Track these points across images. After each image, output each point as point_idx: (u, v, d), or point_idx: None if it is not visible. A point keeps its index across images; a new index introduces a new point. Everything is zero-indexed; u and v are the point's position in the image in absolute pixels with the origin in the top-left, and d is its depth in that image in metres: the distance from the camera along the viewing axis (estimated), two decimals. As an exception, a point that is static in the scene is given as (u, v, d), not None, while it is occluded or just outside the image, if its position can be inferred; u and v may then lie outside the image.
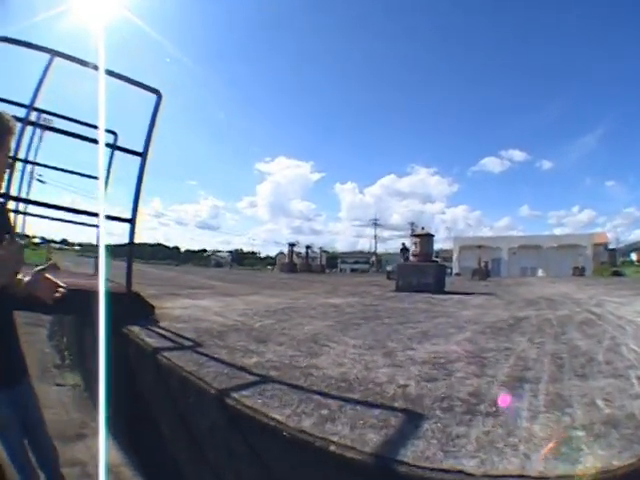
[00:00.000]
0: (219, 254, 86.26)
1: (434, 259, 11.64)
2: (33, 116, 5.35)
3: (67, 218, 6.07)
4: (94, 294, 4.16)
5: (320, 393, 2.12)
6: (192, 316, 4.57)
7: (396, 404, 1.96)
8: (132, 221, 4.11)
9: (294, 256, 30.88)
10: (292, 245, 29.61)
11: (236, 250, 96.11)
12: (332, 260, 75.17)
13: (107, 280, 4.75)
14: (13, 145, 1.83)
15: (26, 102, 4.42)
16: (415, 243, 11.21)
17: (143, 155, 4.20)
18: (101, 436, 2.39)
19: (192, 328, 3.89)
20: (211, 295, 7.07)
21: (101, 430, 2.45)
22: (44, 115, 5.76)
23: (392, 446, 1.54)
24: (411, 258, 11.53)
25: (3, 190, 2.20)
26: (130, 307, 4.15)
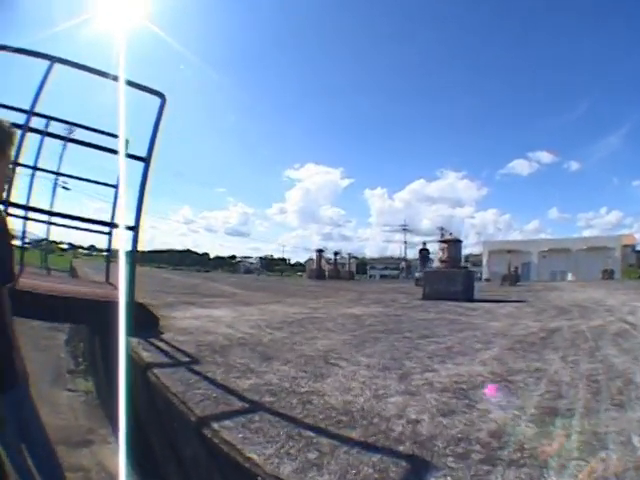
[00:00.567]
0: (248, 260, 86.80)
1: (463, 265, 11.20)
2: (57, 127, 5.31)
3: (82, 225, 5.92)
4: (92, 303, 4.04)
5: (314, 428, 1.79)
6: (200, 328, 4.32)
7: (401, 447, 1.62)
8: (135, 228, 3.89)
9: (323, 262, 30.60)
10: (320, 252, 29.25)
11: (265, 256, 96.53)
12: (362, 266, 74.69)
13: (113, 289, 4.58)
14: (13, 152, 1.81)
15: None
16: (443, 249, 10.76)
17: (146, 160, 3.98)
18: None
19: (195, 341, 3.64)
20: (228, 304, 6.83)
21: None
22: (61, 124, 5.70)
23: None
24: (439, 264, 11.08)
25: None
26: (132, 317, 3.93)
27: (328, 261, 33.60)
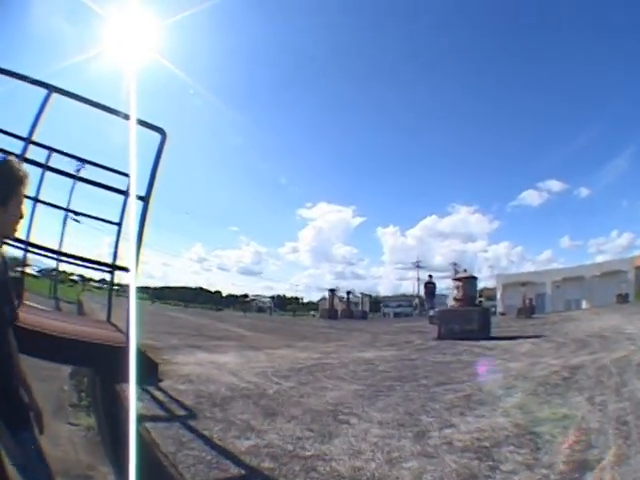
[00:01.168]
0: (261, 299, 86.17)
1: (477, 302, 10.85)
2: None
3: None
4: (89, 346, 3.82)
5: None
6: (202, 375, 4.09)
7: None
8: (133, 269, 3.73)
9: (336, 302, 30.12)
10: (332, 291, 28.83)
11: (278, 295, 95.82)
12: (375, 304, 73.79)
13: (115, 331, 4.40)
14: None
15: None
16: (458, 287, 10.44)
17: (145, 199, 3.85)
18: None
19: (195, 392, 3.42)
20: (236, 348, 6.57)
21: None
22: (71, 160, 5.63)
23: None
24: (453, 302, 10.75)
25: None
26: (129, 363, 3.72)
27: (341, 300, 33.08)
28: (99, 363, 3.62)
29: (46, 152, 4.78)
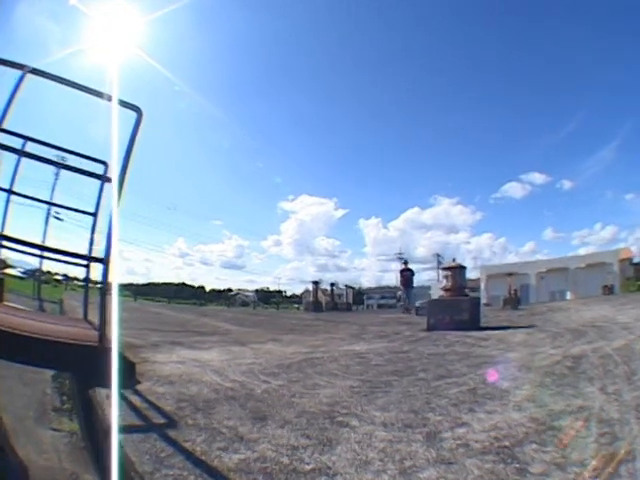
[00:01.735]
0: (244, 293, 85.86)
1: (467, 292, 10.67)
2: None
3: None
4: (57, 345, 3.46)
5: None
6: (184, 375, 3.76)
7: None
8: (105, 261, 3.36)
9: (320, 294, 29.84)
10: (316, 283, 28.34)
11: (262, 289, 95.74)
12: (359, 296, 74.03)
13: (90, 329, 4.04)
14: None
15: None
16: (447, 276, 10.19)
17: (119, 181, 3.48)
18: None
19: (176, 394, 3.09)
20: (221, 344, 6.23)
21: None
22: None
23: None
24: (442, 293, 10.52)
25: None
26: (102, 364, 3.37)
27: (325, 292, 32.82)
28: (64, 364, 3.27)
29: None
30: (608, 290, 32.39)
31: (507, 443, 2.06)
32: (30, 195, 5.41)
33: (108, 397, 2.92)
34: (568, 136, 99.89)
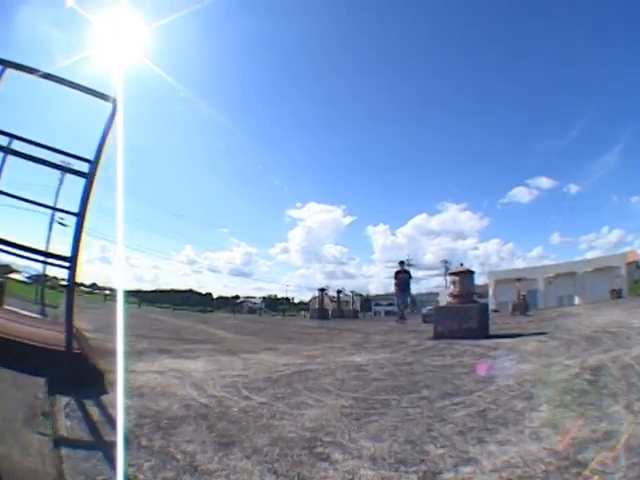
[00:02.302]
0: (252, 300, 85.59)
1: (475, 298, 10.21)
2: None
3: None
4: (15, 345, 3.13)
5: None
6: (158, 387, 3.39)
7: None
8: (71, 260, 3.02)
9: (327, 301, 29.39)
10: (322, 290, 27.90)
11: (269, 296, 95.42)
12: (366, 303, 73.52)
13: (59, 333, 3.71)
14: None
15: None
16: (454, 282, 9.72)
17: (89, 176, 3.16)
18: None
19: (141, 409, 2.72)
20: (210, 352, 5.85)
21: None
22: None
23: None
24: (450, 299, 10.07)
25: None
26: (67, 371, 3.04)
27: (332, 299, 32.38)
28: (27, 367, 2.96)
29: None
30: (616, 294, 31.87)
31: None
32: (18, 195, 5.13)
33: (67, 406, 2.63)
34: (573, 140, 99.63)
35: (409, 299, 17.51)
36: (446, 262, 76.04)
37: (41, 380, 5.71)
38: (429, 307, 15.20)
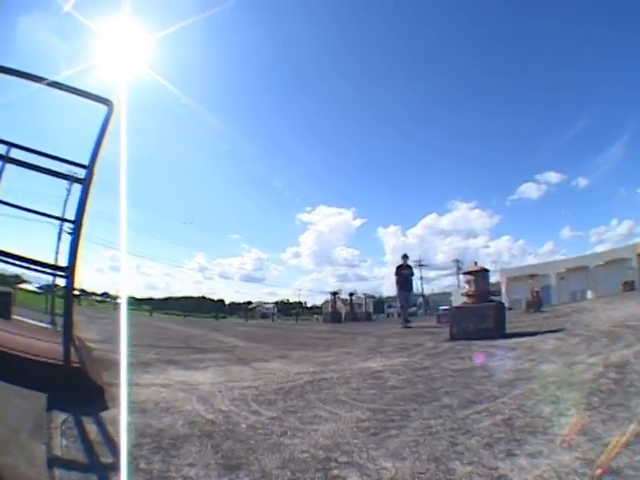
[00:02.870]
0: (265, 306, 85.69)
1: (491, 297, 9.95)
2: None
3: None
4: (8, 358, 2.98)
5: None
6: (162, 402, 3.21)
7: None
8: (68, 270, 2.85)
9: (340, 304, 29.22)
10: (334, 294, 27.72)
11: (282, 301, 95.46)
12: (379, 305, 73.24)
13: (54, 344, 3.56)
14: None
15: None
16: (469, 281, 9.48)
17: (85, 181, 3.01)
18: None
19: (142, 426, 2.54)
20: (220, 362, 5.66)
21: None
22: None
23: None
24: (465, 299, 9.81)
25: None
26: (65, 386, 2.88)
27: (344, 302, 32.17)
28: (23, 381, 2.80)
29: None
30: (629, 286, 31.59)
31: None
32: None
33: (63, 423, 2.47)
34: (579, 133, 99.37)
35: (411, 299, 15.43)
36: (458, 261, 75.62)
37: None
38: (443, 307, 14.90)
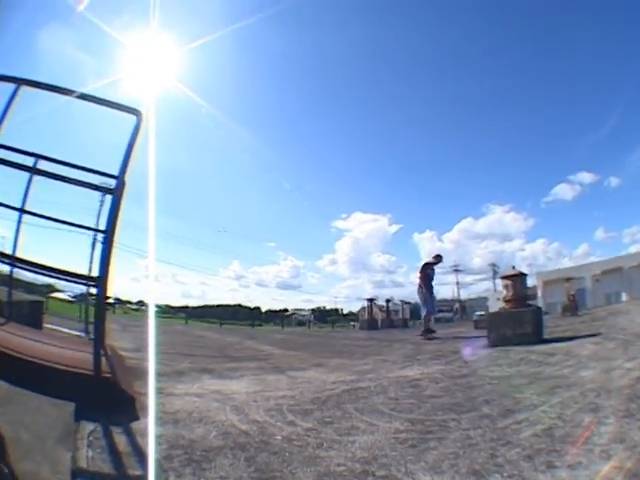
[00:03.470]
0: (301, 313, 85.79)
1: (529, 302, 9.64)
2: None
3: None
4: (39, 368, 2.98)
5: None
6: (195, 412, 3.19)
7: None
8: (99, 280, 2.85)
9: (376, 311, 28.97)
10: (371, 300, 27.40)
11: (318, 308, 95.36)
12: (416, 311, 72.47)
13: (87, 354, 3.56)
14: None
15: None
16: (506, 286, 9.22)
17: (115, 192, 3.01)
18: None
19: (173, 438, 2.51)
20: (255, 371, 5.63)
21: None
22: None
23: None
24: (502, 304, 9.53)
25: None
26: (94, 396, 2.86)
27: (381, 309, 31.87)
28: (54, 391, 2.81)
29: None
30: None
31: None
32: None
33: (90, 434, 2.44)
34: (610, 131, 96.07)
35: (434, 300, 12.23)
36: (494, 265, 74.09)
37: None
38: (480, 312, 14.60)
